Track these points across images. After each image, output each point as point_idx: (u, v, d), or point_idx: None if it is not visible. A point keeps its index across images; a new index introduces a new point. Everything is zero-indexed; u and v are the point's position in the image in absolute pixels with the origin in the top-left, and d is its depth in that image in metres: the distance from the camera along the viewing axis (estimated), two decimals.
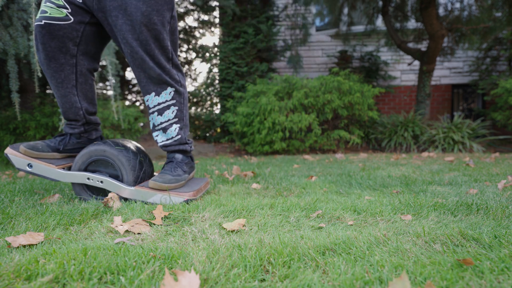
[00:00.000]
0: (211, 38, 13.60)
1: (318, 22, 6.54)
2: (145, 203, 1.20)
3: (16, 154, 1.25)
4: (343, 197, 1.34)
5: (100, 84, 5.97)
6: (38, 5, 2.55)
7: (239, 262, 0.68)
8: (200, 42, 7.31)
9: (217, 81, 5.87)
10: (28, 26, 2.51)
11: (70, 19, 1.20)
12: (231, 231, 0.91)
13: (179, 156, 1.35)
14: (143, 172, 1.32)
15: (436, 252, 0.73)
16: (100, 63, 3.06)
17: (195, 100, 6.65)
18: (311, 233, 0.87)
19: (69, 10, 1.19)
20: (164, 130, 1.31)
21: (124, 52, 1.23)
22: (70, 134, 1.35)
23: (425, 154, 3.54)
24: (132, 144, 1.36)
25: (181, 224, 0.99)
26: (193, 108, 6.99)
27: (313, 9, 6.29)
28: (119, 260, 0.67)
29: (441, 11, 5.33)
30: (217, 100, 5.97)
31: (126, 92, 7.15)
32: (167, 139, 1.32)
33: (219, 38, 6.06)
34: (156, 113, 1.29)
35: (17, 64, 2.62)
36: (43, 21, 1.18)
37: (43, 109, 3.30)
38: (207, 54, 5.86)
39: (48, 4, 1.18)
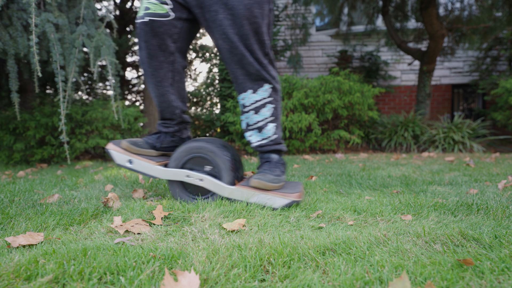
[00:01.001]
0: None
1: (318, 22, 6.54)
2: (145, 203, 1.20)
3: (118, 150, 1.24)
4: (343, 197, 1.34)
5: (100, 84, 5.97)
6: (38, 5, 2.55)
7: (239, 262, 0.68)
8: (200, 42, 7.31)
9: (217, 81, 5.87)
10: (27, 26, 2.51)
11: (171, 16, 1.18)
12: (231, 231, 0.91)
13: (275, 156, 1.28)
14: (238, 172, 1.27)
15: (436, 252, 0.73)
16: (100, 63, 3.07)
17: (195, 100, 6.66)
18: (311, 233, 0.87)
19: (171, 6, 1.18)
20: (260, 129, 1.25)
21: (220, 48, 1.19)
22: (165, 133, 1.33)
23: (425, 154, 3.53)
24: (226, 143, 1.32)
25: (181, 224, 0.99)
26: (193, 108, 7.00)
27: (313, 9, 6.29)
28: (119, 260, 0.67)
29: (441, 11, 5.33)
30: (217, 100, 5.97)
31: (126, 92, 7.15)
32: (262, 139, 1.26)
33: None
34: (252, 112, 1.23)
35: (16, 64, 2.62)
36: (148, 18, 1.17)
37: (43, 109, 3.30)
38: (207, 54, 5.86)
39: (151, 0, 1.17)
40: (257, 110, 1.23)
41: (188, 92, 7.20)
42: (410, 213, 1.06)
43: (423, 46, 5.81)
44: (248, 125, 1.27)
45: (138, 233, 0.89)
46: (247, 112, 1.25)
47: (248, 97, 1.23)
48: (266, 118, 1.24)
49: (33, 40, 2.25)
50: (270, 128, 1.25)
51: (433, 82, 6.31)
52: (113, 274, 0.63)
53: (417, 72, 6.23)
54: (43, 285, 0.60)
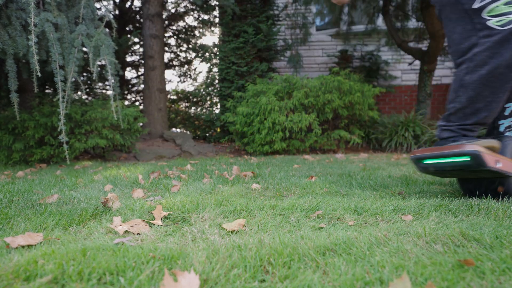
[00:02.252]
0: (210, 38, 13.62)
1: (318, 21, 6.53)
2: (144, 203, 1.20)
3: (486, 151, 1.16)
4: (343, 197, 1.34)
5: (99, 84, 5.97)
6: (37, 4, 2.55)
7: (239, 262, 0.68)
8: (199, 41, 7.31)
9: (217, 81, 5.87)
10: (27, 25, 2.50)
11: None
12: (231, 232, 0.90)
13: None
14: None
15: (437, 253, 0.73)
16: (99, 63, 3.06)
17: (195, 100, 6.66)
18: (312, 234, 0.86)
19: None
20: None
21: None
22: (471, 137, 1.29)
23: None
24: None
25: (180, 224, 0.98)
26: (193, 108, 6.99)
27: (313, 8, 6.28)
28: (119, 260, 0.67)
29: None
30: (217, 100, 5.96)
31: (126, 92, 7.15)
32: None
33: (219, 38, 6.05)
34: None
35: (15, 63, 2.61)
36: None
37: (42, 109, 3.30)
38: (207, 54, 5.86)
39: None
40: None
41: (188, 92, 7.21)
42: (411, 213, 1.06)
43: (424, 45, 5.81)
44: (510, 127, 1.31)
45: (137, 234, 0.89)
46: None
47: None
48: None
49: (32, 39, 2.25)
50: None
51: (434, 82, 6.30)
52: (113, 274, 0.63)
53: (417, 71, 6.22)
54: (42, 286, 0.59)
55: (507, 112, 1.32)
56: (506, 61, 1.19)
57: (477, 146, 1.16)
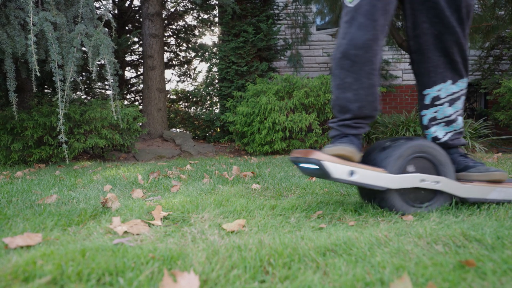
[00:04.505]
0: (210, 37, 13.62)
1: (318, 21, 6.53)
2: (144, 204, 1.19)
3: (333, 160, 0.97)
4: (344, 198, 1.33)
5: (99, 84, 5.96)
6: (36, 3, 2.54)
7: (239, 263, 0.68)
8: (199, 41, 7.30)
9: (216, 81, 5.86)
10: (25, 24, 2.50)
11: None
12: (231, 232, 0.90)
13: (462, 150, 1.19)
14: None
15: (438, 253, 0.72)
16: (98, 62, 3.05)
17: (194, 99, 6.65)
18: (312, 234, 0.86)
19: None
20: (449, 123, 1.16)
21: (425, 32, 1.09)
22: (354, 135, 1.10)
23: None
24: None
25: (180, 224, 0.98)
26: (192, 108, 6.99)
27: (314, 7, 6.28)
28: (118, 261, 0.66)
29: None
30: (217, 100, 5.96)
31: (125, 92, 7.14)
32: (447, 132, 1.17)
33: (219, 37, 6.04)
34: (446, 104, 1.14)
35: (14, 63, 2.61)
36: None
37: (40, 109, 3.29)
38: (207, 53, 5.85)
39: None
40: (451, 102, 1.15)
41: (188, 92, 7.20)
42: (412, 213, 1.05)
43: None
44: (435, 119, 1.17)
45: (137, 234, 0.89)
46: (440, 104, 1.15)
47: (446, 88, 1.14)
48: (458, 111, 1.16)
49: (31, 39, 2.24)
50: (460, 122, 1.17)
51: None
52: (112, 275, 0.62)
53: None
54: (41, 287, 0.59)
55: (427, 101, 1.16)
56: (354, 40, 1.04)
57: (323, 154, 0.98)
